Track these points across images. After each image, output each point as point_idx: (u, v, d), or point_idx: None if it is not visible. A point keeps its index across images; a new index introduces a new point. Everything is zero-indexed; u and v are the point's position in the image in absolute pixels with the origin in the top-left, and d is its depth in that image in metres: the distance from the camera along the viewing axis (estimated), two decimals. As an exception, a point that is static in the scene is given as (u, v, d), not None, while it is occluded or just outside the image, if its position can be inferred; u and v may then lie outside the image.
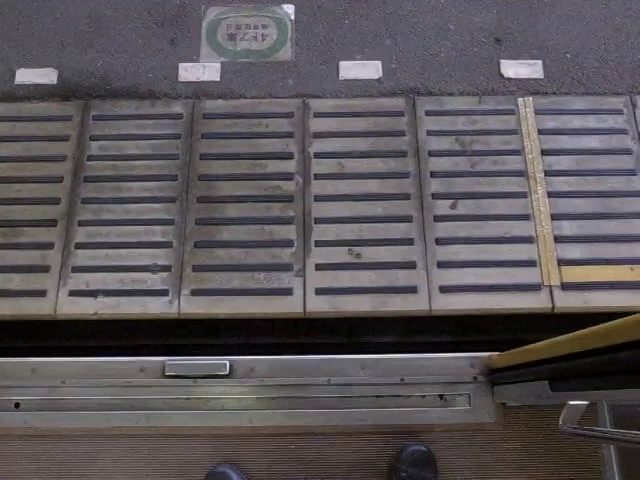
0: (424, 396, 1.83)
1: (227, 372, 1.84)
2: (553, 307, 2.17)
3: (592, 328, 1.14)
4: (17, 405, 1.84)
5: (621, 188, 2.32)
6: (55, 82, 2.52)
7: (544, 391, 1.43)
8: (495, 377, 1.82)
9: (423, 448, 1.71)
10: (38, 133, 2.43)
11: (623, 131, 2.41)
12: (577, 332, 1.22)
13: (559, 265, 2.21)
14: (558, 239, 2.25)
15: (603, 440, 1.51)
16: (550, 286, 2.19)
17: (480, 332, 2.28)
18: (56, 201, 2.33)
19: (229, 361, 1.85)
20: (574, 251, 2.23)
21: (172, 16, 2.61)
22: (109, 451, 1.79)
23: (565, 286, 2.19)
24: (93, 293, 2.19)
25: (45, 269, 2.23)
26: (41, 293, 2.19)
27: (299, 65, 2.54)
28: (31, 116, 2.46)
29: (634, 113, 2.43)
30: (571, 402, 1.41)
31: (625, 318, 1.01)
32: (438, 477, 1.69)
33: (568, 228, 2.26)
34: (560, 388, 1.37)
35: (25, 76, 2.53)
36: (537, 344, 1.44)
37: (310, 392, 1.83)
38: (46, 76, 2.53)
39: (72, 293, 2.19)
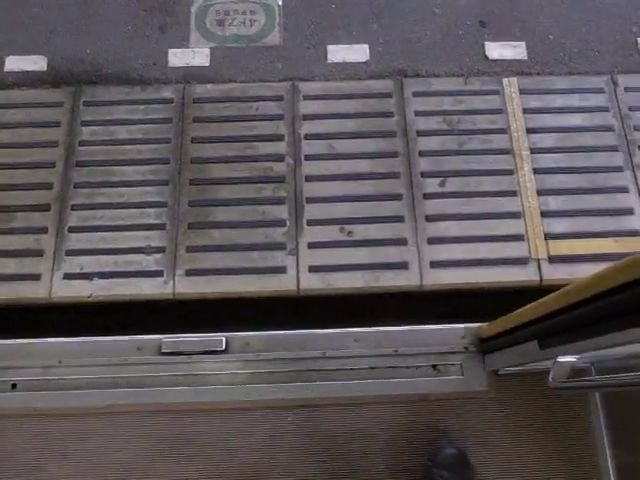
0: (417, 367, 1.87)
1: (223, 348, 1.86)
2: (541, 280, 2.22)
3: (575, 283, 1.19)
4: (14, 386, 1.84)
5: (604, 164, 2.38)
6: (45, 69, 2.53)
7: (534, 351, 1.47)
8: (486, 346, 1.86)
9: (456, 451, 1.72)
10: (29, 120, 2.44)
11: (605, 109, 2.47)
12: (562, 289, 1.26)
13: (546, 239, 2.27)
14: (544, 214, 2.30)
15: (590, 388, 1.56)
16: (538, 259, 2.24)
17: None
18: (49, 186, 2.34)
19: (225, 337, 1.87)
20: (560, 225, 2.29)
21: (161, 3, 2.63)
22: (106, 428, 1.80)
23: (552, 259, 2.24)
24: (88, 276, 2.20)
25: (39, 253, 2.24)
26: (36, 277, 2.20)
27: (287, 49, 2.58)
28: (22, 103, 2.47)
29: (615, 92, 2.49)
30: (560, 359, 1.45)
31: (602, 270, 1.06)
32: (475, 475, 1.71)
33: (554, 203, 2.32)
34: (548, 344, 1.42)
35: (14, 63, 2.54)
36: (524, 307, 1.49)
37: (305, 365, 1.86)
38: (35, 63, 2.54)
39: (67, 276, 2.20)
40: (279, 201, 2.31)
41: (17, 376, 1.85)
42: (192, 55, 2.56)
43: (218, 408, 1.83)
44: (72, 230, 2.27)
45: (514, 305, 2.26)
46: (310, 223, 2.28)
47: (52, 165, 2.36)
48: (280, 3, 2.65)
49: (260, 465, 1.77)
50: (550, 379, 1.44)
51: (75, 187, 2.33)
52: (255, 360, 1.86)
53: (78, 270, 2.21)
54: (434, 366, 1.87)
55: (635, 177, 2.36)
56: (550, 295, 1.33)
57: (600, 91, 2.50)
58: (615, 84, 2.51)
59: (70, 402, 1.82)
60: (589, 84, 2.51)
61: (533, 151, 2.39)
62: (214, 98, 2.48)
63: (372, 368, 1.86)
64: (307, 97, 2.48)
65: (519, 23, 2.62)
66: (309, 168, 2.36)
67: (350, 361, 1.86)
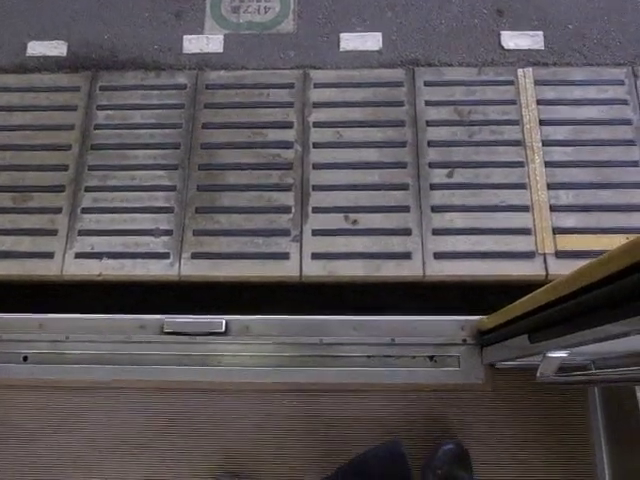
0: (414, 357, 1.87)
1: (223, 330, 1.89)
2: (547, 274, 2.18)
3: (560, 278, 1.17)
4: (25, 358, 1.92)
5: (619, 158, 2.31)
6: (65, 54, 2.60)
7: (524, 345, 1.46)
8: (484, 339, 1.85)
9: (457, 446, 1.73)
10: (48, 103, 2.52)
11: (624, 101, 2.40)
12: (551, 282, 1.25)
13: (554, 233, 2.23)
14: (554, 208, 2.26)
15: (579, 383, 1.54)
16: (544, 254, 2.20)
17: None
18: (64, 168, 2.41)
19: (225, 319, 1.91)
20: (569, 220, 2.24)
21: (177, -11, 2.67)
22: (109, 402, 1.86)
23: (559, 254, 2.20)
24: (98, 255, 2.27)
25: (53, 232, 2.32)
26: (49, 255, 2.28)
27: (300, 37, 2.58)
28: (41, 87, 2.55)
29: (635, 84, 2.41)
30: (549, 354, 1.43)
31: (588, 263, 1.04)
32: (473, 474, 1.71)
33: (564, 197, 2.27)
34: (538, 339, 1.40)
35: (36, 49, 2.62)
36: (519, 300, 1.48)
37: (303, 351, 1.88)
38: (56, 48, 2.61)
39: (78, 255, 2.28)
40: (286, 188, 2.33)
41: (28, 349, 1.93)
42: (206, 42, 2.59)
43: (216, 388, 1.87)
44: (85, 211, 2.34)
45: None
46: (315, 210, 2.29)
47: (68, 148, 2.43)
48: (295, -10, 2.65)
49: (254, 445, 1.81)
50: (538, 374, 1.44)
51: (89, 169, 2.40)
52: (254, 343, 1.90)
53: (89, 250, 2.28)
54: (431, 357, 1.87)
55: (651, 172, 2.30)
56: (539, 289, 1.32)
57: (620, 83, 2.43)
58: (636, 76, 2.43)
59: (76, 376, 1.89)
60: (608, 75, 2.44)
61: (545, 143, 2.34)
62: (226, 85, 2.51)
63: (369, 356, 1.87)
64: (318, 85, 2.48)
65: (538, 12, 2.55)
66: (317, 156, 2.37)
67: (347, 348, 1.88)
